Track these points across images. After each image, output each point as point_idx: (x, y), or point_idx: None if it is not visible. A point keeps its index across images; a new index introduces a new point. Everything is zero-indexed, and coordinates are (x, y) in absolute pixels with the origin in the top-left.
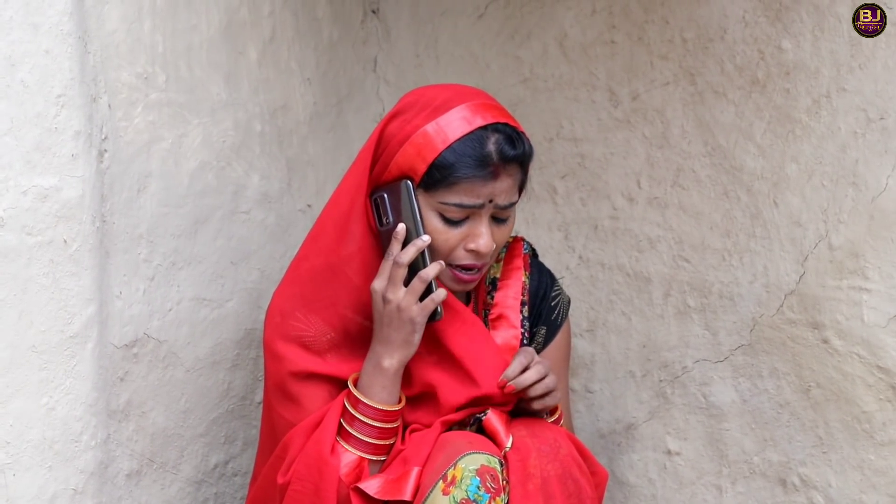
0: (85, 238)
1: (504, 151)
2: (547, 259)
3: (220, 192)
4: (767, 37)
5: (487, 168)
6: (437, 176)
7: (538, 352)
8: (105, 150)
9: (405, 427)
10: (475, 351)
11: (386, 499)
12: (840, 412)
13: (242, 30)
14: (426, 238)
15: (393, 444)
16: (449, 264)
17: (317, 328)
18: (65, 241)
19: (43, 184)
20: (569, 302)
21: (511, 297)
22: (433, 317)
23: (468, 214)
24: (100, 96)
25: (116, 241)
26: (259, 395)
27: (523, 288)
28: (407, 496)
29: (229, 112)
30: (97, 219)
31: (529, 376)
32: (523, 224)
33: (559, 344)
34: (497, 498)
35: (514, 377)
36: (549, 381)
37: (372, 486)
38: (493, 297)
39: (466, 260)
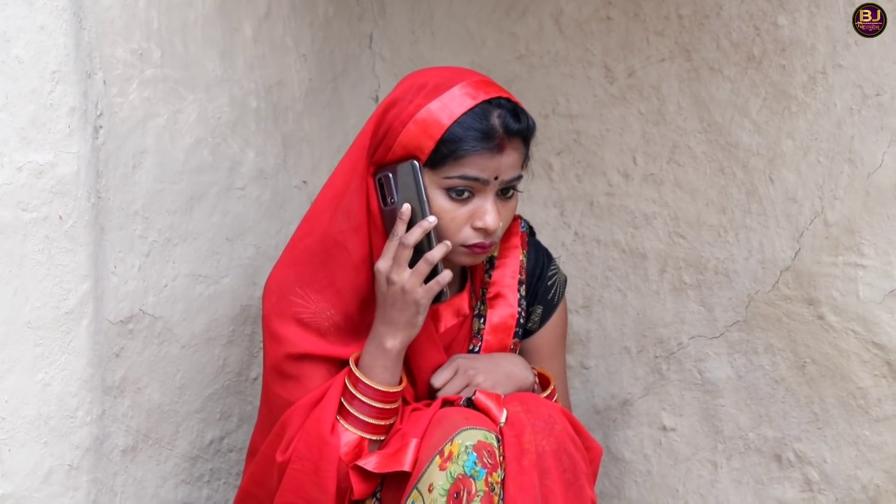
0: (80, 214)
1: (509, 125)
2: (543, 236)
3: (215, 169)
4: (763, 13)
5: (493, 141)
6: (445, 151)
7: (534, 331)
8: (100, 127)
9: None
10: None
11: (385, 471)
12: (835, 388)
13: (237, 6)
14: (432, 219)
15: (392, 424)
16: (459, 246)
17: (317, 306)
18: (60, 218)
19: (38, 160)
20: (565, 281)
21: (508, 275)
22: (438, 298)
23: (474, 191)
24: (95, 72)
25: (112, 217)
26: (254, 372)
27: (521, 266)
28: (406, 467)
29: (224, 88)
30: (92, 195)
31: (451, 389)
32: (519, 200)
33: (556, 323)
34: (494, 473)
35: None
36: (466, 382)
37: (370, 462)
38: (490, 276)
39: (475, 239)
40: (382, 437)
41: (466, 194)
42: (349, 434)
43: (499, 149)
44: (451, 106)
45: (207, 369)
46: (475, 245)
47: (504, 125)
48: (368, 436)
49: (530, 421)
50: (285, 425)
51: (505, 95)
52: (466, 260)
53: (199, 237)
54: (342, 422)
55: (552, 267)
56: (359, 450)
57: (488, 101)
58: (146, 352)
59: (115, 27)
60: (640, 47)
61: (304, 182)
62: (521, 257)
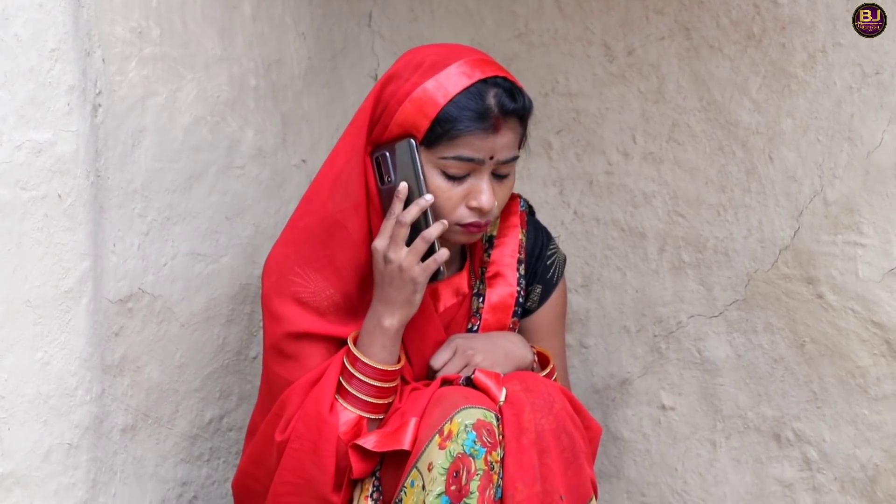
0: (79, 193)
1: (504, 104)
2: (542, 214)
3: (214, 147)
4: None
5: (488, 121)
6: (440, 131)
7: (534, 310)
8: (99, 105)
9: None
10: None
11: (384, 450)
12: (834, 367)
13: None
14: (429, 197)
15: (391, 403)
16: (455, 225)
17: (316, 285)
18: (59, 196)
19: (37, 138)
20: (564, 260)
21: (508, 254)
22: (435, 276)
23: (469, 170)
24: (94, 50)
25: (111, 195)
26: (254, 350)
27: (520, 246)
28: (405, 446)
29: (224, 67)
30: (91, 173)
31: (450, 369)
32: (518, 179)
33: (555, 302)
34: (493, 452)
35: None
36: (465, 362)
37: (369, 440)
38: (489, 255)
39: (470, 218)
40: (381, 416)
41: (462, 174)
42: (348, 413)
43: (494, 129)
44: (446, 85)
45: (207, 348)
46: (471, 224)
47: (500, 105)
48: (367, 415)
49: (530, 400)
50: (284, 405)
51: (502, 74)
52: (463, 238)
53: (199, 216)
54: (341, 401)
55: (551, 246)
56: (357, 429)
57: (484, 81)
58: (145, 331)
59: (113, 5)
60: (640, 25)
61: (304, 161)
62: (520, 236)
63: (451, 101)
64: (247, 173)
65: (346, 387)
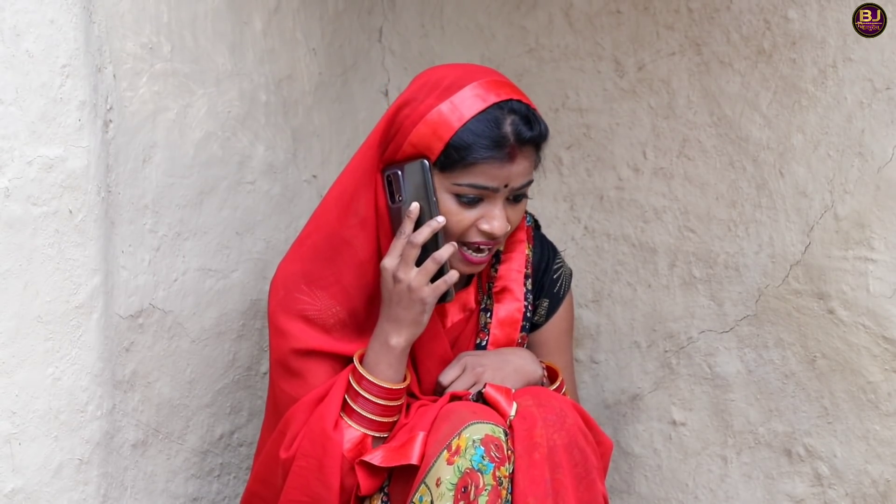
0: (90, 208)
1: (521, 133)
2: (552, 230)
3: (225, 163)
4: (773, 6)
5: (504, 150)
6: (455, 157)
7: (541, 325)
8: (110, 121)
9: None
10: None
11: (391, 465)
12: (845, 382)
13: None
14: (441, 219)
15: (396, 422)
16: (460, 242)
17: (323, 303)
18: (70, 212)
19: (48, 154)
20: (571, 274)
21: (515, 269)
22: (444, 298)
23: (483, 196)
24: (105, 66)
25: (122, 211)
26: (264, 366)
27: (526, 260)
28: (413, 460)
29: (234, 82)
30: (102, 189)
31: (459, 386)
32: (529, 194)
33: (562, 316)
34: (501, 467)
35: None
36: (474, 379)
37: (376, 456)
38: (496, 270)
39: (478, 238)
40: (385, 435)
41: (475, 199)
42: (352, 431)
43: (510, 157)
44: (461, 108)
45: (217, 364)
46: (475, 245)
47: (516, 133)
48: (372, 433)
49: (542, 415)
50: (289, 422)
51: (517, 97)
52: (463, 269)
53: (209, 231)
54: (346, 419)
55: (557, 260)
56: (362, 447)
57: (499, 106)
58: (156, 346)
59: (124, 21)
60: (650, 41)
61: (314, 176)
62: (526, 251)
63: (465, 125)
64: (257, 189)
65: (352, 405)
